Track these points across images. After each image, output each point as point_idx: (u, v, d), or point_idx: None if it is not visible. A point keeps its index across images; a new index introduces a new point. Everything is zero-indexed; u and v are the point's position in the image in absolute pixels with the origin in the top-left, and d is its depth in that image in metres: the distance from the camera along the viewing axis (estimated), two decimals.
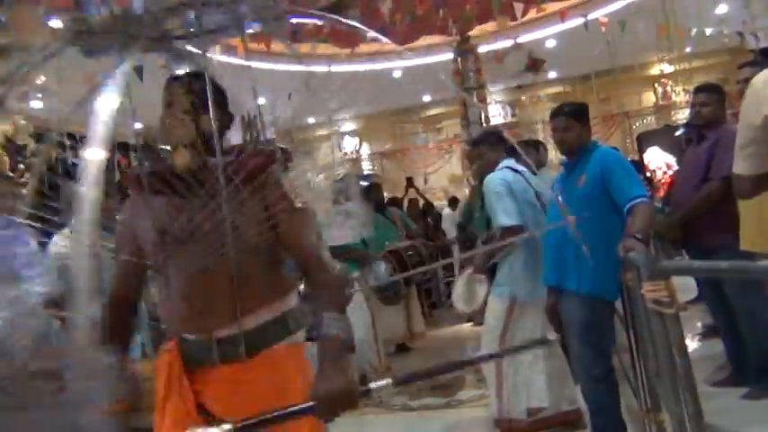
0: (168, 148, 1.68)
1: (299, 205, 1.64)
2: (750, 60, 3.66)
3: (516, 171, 3.61)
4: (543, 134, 11.82)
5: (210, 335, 1.61)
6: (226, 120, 1.73)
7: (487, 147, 3.82)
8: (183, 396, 1.59)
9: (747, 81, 3.39)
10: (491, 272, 3.60)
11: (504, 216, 3.43)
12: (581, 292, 2.96)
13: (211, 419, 1.56)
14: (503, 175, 3.58)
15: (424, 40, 8.91)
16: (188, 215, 1.58)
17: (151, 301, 2.81)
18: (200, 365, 1.63)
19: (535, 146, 4.97)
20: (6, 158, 8.05)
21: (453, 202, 11.02)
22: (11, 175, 7.78)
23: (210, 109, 1.57)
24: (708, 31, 7.49)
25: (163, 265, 1.64)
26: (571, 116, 3.12)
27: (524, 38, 9.06)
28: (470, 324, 6.75)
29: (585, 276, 2.93)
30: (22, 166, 8.05)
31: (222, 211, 1.54)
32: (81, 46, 1.51)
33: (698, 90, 4.11)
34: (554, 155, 11.88)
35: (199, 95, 1.62)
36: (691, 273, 2.99)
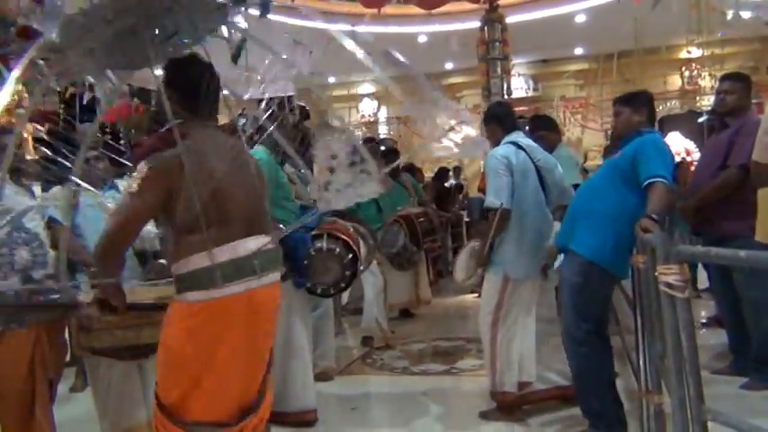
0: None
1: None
2: None
3: (520, 146, 3.56)
4: (562, 110, 11.70)
5: None
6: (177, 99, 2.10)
7: (494, 121, 3.74)
8: None
9: None
10: (490, 247, 3.59)
11: (493, 196, 3.40)
12: (580, 253, 3.00)
13: None
14: (504, 150, 3.50)
15: (453, 6, 8.77)
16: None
17: None
18: None
19: (548, 126, 4.78)
20: (27, 95, 8.06)
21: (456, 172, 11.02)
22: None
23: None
24: (745, 15, 7.29)
25: None
26: (623, 102, 3.22)
27: (556, 11, 8.91)
28: (474, 295, 6.78)
29: (587, 237, 2.98)
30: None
31: None
32: None
33: (724, 78, 4.11)
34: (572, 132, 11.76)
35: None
36: (707, 259, 2.98)
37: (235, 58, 2.04)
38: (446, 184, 9.54)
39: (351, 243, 3.61)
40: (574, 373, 3.13)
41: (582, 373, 3.07)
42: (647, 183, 2.82)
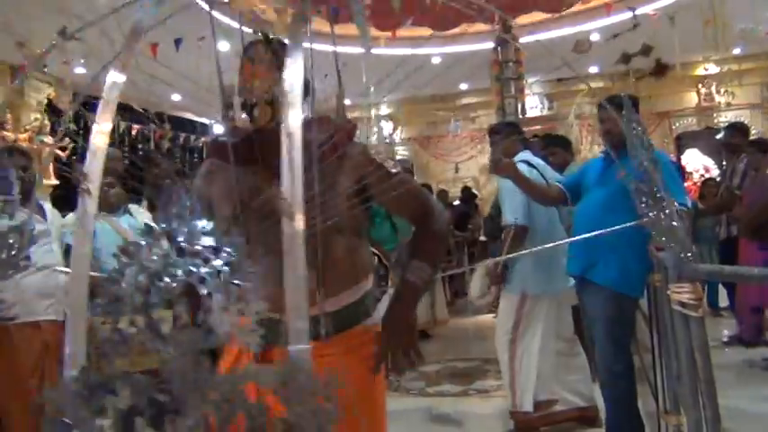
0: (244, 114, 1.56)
1: (398, 168, 1.69)
2: None
3: (531, 165, 3.57)
4: (578, 129, 11.68)
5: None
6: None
7: (503, 138, 3.75)
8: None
9: None
10: (505, 266, 3.59)
11: (511, 214, 3.43)
12: (608, 285, 2.95)
13: None
14: None
15: (466, 27, 8.83)
16: (269, 188, 1.42)
17: None
18: (276, 345, 1.50)
19: (563, 144, 4.84)
20: (48, 122, 8.24)
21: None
22: (47, 140, 7.98)
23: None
24: (761, 31, 7.26)
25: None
26: (618, 108, 3.09)
27: (568, 31, 8.93)
28: (492, 315, 6.74)
29: (614, 269, 2.93)
30: (62, 129, 8.23)
31: (309, 184, 1.34)
32: None
33: None
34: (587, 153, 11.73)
35: (278, 55, 1.53)
36: (721, 277, 2.95)
37: None
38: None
39: (383, 258, 3.65)
40: (610, 407, 3.06)
41: (619, 406, 3.01)
42: None
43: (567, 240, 3.20)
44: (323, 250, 1.47)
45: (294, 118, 1.10)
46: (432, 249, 1.72)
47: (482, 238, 9.45)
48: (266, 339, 1.50)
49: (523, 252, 3.37)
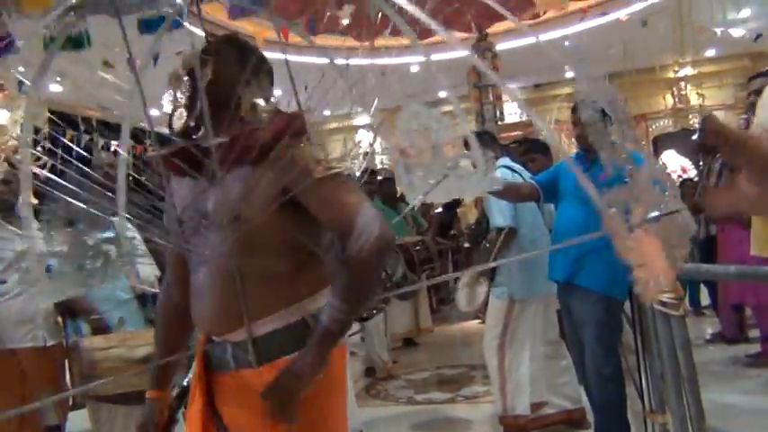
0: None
1: (329, 172, 1.39)
2: (763, 71, 3.62)
3: (513, 170, 3.62)
4: (557, 134, 11.78)
5: (225, 338, 1.45)
6: (257, 86, 1.53)
7: (482, 146, 3.77)
8: (199, 397, 1.47)
9: (758, 93, 3.35)
10: (491, 271, 3.61)
11: (499, 217, 3.45)
12: (596, 290, 2.97)
13: (219, 425, 1.46)
14: (500, 174, 3.57)
15: (443, 36, 8.88)
16: (196, 199, 1.41)
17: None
18: (221, 369, 1.49)
19: (542, 150, 4.82)
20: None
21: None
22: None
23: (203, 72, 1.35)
24: (736, 33, 7.37)
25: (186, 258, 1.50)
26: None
27: (543, 37, 9.02)
28: (478, 321, 6.76)
29: (600, 273, 2.93)
30: (39, 148, 8.15)
31: (227, 194, 1.33)
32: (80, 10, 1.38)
33: None
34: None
35: (212, 59, 1.45)
36: (699, 275, 2.98)
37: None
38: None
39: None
40: (599, 409, 3.08)
41: (608, 409, 3.03)
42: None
43: (561, 245, 3.19)
44: (240, 267, 1.36)
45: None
46: (349, 281, 1.37)
47: (466, 244, 9.49)
48: (213, 364, 1.50)
49: (510, 259, 3.39)
